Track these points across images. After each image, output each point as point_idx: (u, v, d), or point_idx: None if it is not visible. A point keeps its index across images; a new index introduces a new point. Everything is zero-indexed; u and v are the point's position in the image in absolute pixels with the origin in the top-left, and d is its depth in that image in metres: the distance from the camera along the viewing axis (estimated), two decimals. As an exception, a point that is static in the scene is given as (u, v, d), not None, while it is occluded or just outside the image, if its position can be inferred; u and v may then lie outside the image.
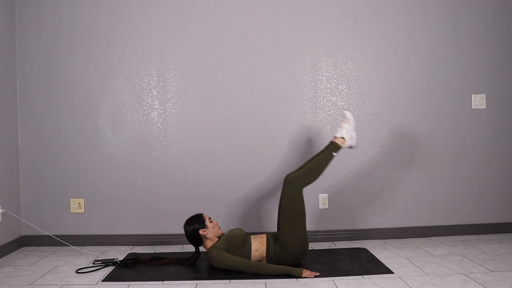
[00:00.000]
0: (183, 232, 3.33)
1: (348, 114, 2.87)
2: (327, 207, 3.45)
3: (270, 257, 2.73)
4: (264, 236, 2.82)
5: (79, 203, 3.41)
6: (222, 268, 2.63)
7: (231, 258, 2.62)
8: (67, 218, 3.41)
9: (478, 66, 3.50)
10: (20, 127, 3.42)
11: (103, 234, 3.41)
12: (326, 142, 3.45)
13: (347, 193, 3.45)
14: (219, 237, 2.81)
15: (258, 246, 2.75)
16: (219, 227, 2.81)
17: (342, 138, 2.84)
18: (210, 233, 2.75)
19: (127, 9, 3.42)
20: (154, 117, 3.43)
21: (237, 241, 2.71)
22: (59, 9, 3.41)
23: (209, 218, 2.82)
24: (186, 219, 3.40)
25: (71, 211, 3.41)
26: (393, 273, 2.60)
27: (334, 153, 2.81)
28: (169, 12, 3.42)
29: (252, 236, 2.83)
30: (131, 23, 3.41)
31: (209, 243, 2.75)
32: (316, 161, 2.79)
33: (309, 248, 3.19)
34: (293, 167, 3.42)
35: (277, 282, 2.49)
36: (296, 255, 2.73)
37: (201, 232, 2.73)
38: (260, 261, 2.75)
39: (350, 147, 2.88)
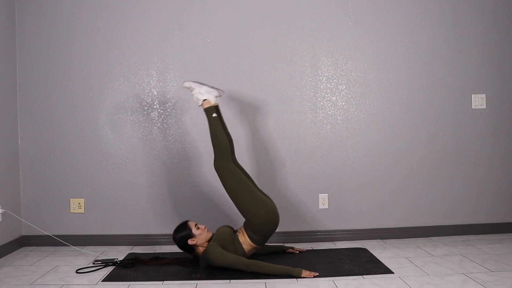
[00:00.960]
0: (183, 232, 3.35)
1: (186, 84, 2.92)
2: (327, 207, 3.45)
3: (255, 241, 2.76)
4: (242, 227, 2.86)
5: (79, 203, 3.41)
6: (221, 266, 2.63)
7: (229, 256, 2.62)
8: (67, 218, 3.41)
9: (478, 66, 3.51)
10: (20, 127, 3.42)
11: (103, 234, 3.41)
12: (326, 142, 3.45)
13: (347, 193, 3.45)
14: (209, 240, 2.82)
15: (243, 239, 2.79)
16: (207, 231, 2.80)
17: (203, 100, 2.88)
18: (199, 240, 2.74)
19: (127, 9, 3.42)
20: (154, 117, 3.43)
21: (226, 238, 2.75)
22: (59, 9, 3.41)
23: (195, 224, 2.78)
24: (186, 219, 3.41)
25: (71, 211, 3.41)
26: (393, 273, 2.60)
27: (214, 115, 2.85)
28: (169, 12, 3.42)
29: (237, 231, 2.87)
30: (131, 23, 3.41)
31: (200, 250, 2.76)
32: (211, 135, 2.85)
33: (309, 248, 3.19)
34: (293, 167, 3.42)
35: (277, 282, 2.49)
36: (268, 226, 2.75)
37: (189, 242, 2.73)
38: (253, 249, 2.80)
39: (218, 95, 2.90)
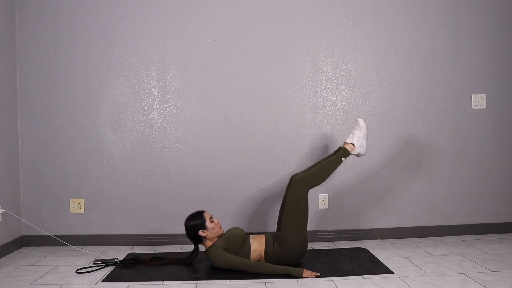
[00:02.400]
0: (183, 232, 3.33)
1: (361, 122, 2.89)
2: (327, 207, 3.45)
3: (269, 257, 2.73)
4: (263, 236, 2.82)
5: (79, 203, 3.41)
6: (222, 268, 2.63)
7: (231, 257, 2.62)
8: (67, 218, 3.41)
9: (478, 66, 3.50)
10: (20, 127, 3.42)
11: (103, 234, 3.41)
12: (326, 142, 3.45)
13: (347, 193, 3.45)
14: (219, 236, 2.81)
15: (257, 247, 2.75)
16: (220, 227, 2.78)
17: (352, 144, 2.85)
18: (210, 234, 2.73)
19: (127, 9, 3.42)
20: (154, 117, 3.43)
21: (236, 241, 2.71)
22: (59, 9, 3.41)
23: (210, 217, 2.77)
24: (186, 219, 3.41)
25: (71, 211, 3.41)
26: (393, 273, 2.60)
27: (343, 159, 2.82)
28: (169, 12, 3.42)
29: (251, 236, 2.83)
30: (131, 23, 3.41)
31: (208, 243, 2.75)
32: (324, 165, 2.80)
33: (309, 248, 3.19)
34: (292, 167, 3.42)
35: (277, 282, 2.49)
36: (295, 255, 2.73)
37: (200, 233, 2.72)
38: (259, 261, 2.75)
39: (358, 154, 2.89)
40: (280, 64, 3.44)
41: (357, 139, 2.85)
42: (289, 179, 2.89)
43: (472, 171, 3.51)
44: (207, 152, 3.41)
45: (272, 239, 2.77)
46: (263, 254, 2.74)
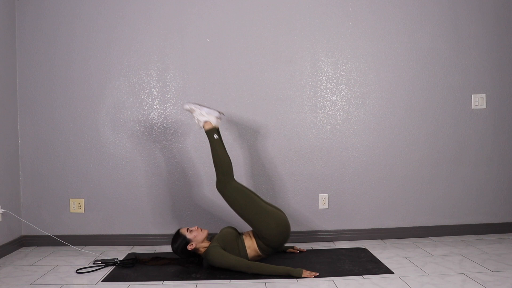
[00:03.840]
0: (183, 232, 3.35)
1: (186, 106, 2.93)
2: (327, 207, 3.45)
3: (263, 250, 2.77)
4: (251, 231, 2.86)
5: (79, 203, 3.41)
6: (222, 267, 2.63)
7: (230, 257, 2.62)
8: (67, 218, 3.41)
9: (478, 66, 3.50)
10: (20, 127, 3.42)
11: (103, 234, 3.41)
12: (326, 142, 3.45)
13: (347, 193, 3.45)
14: (209, 239, 2.82)
15: (250, 243, 2.79)
16: (201, 230, 2.78)
17: (204, 122, 2.89)
18: (197, 242, 2.73)
19: (127, 9, 3.42)
20: (154, 117, 3.43)
21: (231, 238, 2.74)
22: (59, 9, 3.41)
23: (187, 229, 2.76)
24: (186, 218, 3.42)
25: (71, 211, 3.41)
26: (393, 273, 2.60)
27: (215, 136, 2.86)
28: (169, 12, 3.42)
29: (243, 234, 2.87)
30: (131, 23, 3.41)
31: (202, 250, 2.76)
32: (213, 155, 2.86)
33: (309, 248, 3.19)
34: (293, 167, 3.42)
35: (277, 282, 2.49)
36: (279, 236, 2.76)
37: (189, 248, 2.72)
38: (256, 256, 2.79)
39: (219, 117, 2.92)
40: (280, 64, 3.44)
41: (201, 115, 2.88)
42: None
43: (472, 171, 3.51)
44: (207, 152, 3.41)
45: (257, 237, 2.81)
46: (257, 249, 2.78)
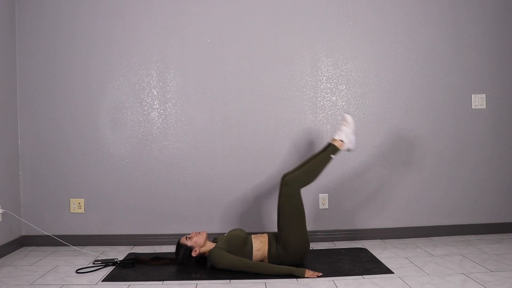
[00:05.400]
0: (183, 232, 3.37)
1: (348, 117, 2.87)
2: (327, 207, 3.45)
3: (272, 257, 2.73)
4: (266, 235, 2.82)
5: (79, 203, 3.41)
6: (224, 268, 2.63)
7: (233, 258, 2.62)
8: (67, 218, 3.41)
9: (478, 66, 3.50)
10: (20, 127, 3.42)
11: (103, 234, 3.41)
12: (326, 142, 3.44)
13: (347, 193, 3.45)
14: (213, 240, 2.81)
15: (260, 246, 2.75)
16: (199, 233, 2.76)
17: (341, 140, 2.83)
18: (199, 247, 2.72)
19: (127, 9, 3.42)
20: (154, 117, 3.43)
21: (238, 242, 2.71)
22: (59, 9, 3.41)
23: (186, 237, 2.75)
24: (186, 218, 3.42)
25: (71, 211, 3.41)
26: (393, 273, 2.60)
27: (332, 155, 2.81)
28: (169, 12, 3.42)
29: (253, 236, 2.83)
30: (131, 23, 3.41)
31: (206, 252, 2.74)
32: (314, 163, 2.80)
33: (310, 248, 3.19)
34: (293, 167, 3.42)
35: (277, 282, 2.49)
36: (298, 255, 2.73)
37: (193, 254, 2.70)
38: (262, 261, 2.75)
39: (348, 150, 2.87)
40: (280, 64, 3.44)
41: (345, 135, 2.83)
42: (280, 178, 2.88)
43: (472, 171, 3.51)
44: (207, 152, 3.41)
45: (275, 240, 2.77)
46: (266, 254, 2.74)
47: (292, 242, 2.70)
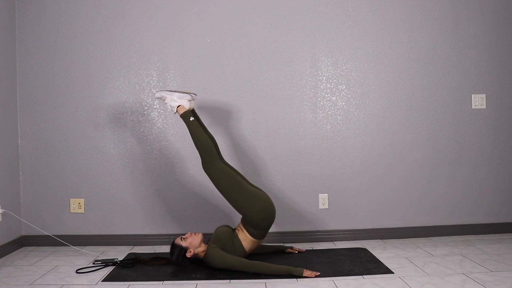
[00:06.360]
0: (183, 232, 3.36)
1: (156, 95, 2.93)
2: (327, 207, 3.45)
3: (255, 235, 2.77)
4: (240, 224, 2.86)
5: (79, 203, 3.41)
6: (222, 268, 2.63)
7: (230, 258, 2.62)
8: (67, 218, 3.41)
9: (478, 66, 3.50)
10: (20, 127, 3.42)
11: (103, 234, 3.41)
12: (326, 142, 3.45)
13: (347, 193, 3.45)
14: (206, 241, 2.82)
15: (243, 235, 2.79)
16: (194, 234, 2.76)
17: (178, 107, 2.88)
18: (194, 248, 2.72)
19: (127, 9, 3.42)
20: (154, 117, 3.43)
21: (227, 237, 2.75)
22: (59, 9, 3.41)
23: (181, 238, 2.75)
24: (186, 218, 3.42)
25: (71, 211, 3.41)
26: (393, 273, 2.60)
27: (191, 119, 2.84)
28: (169, 12, 3.42)
29: (236, 229, 2.87)
30: (131, 23, 3.41)
31: (201, 253, 2.75)
32: (193, 139, 2.85)
33: (309, 248, 3.19)
34: (293, 167, 3.42)
35: (277, 282, 2.49)
36: (265, 219, 2.76)
37: (188, 255, 2.70)
38: (254, 247, 2.81)
39: (191, 99, 2.90)
40: (280, 64, 3.44)
41: (174, 102, 2.87)
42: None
43: (472, 171, 3.51)
44: (207, 152, 3.41)
45: (245, 224, 2.81)
46: (253, 239, 2.79)
47: (249, 212, 2.73)
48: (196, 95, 2.99)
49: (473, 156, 3.51)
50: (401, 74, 3.48)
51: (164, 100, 2.93)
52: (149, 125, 3.42)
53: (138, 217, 3.42)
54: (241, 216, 2.90)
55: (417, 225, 3.48)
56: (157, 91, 2.95)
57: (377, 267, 2.71)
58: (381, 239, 3.44)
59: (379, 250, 3.12)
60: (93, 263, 2.89)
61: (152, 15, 3.41)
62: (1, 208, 3.13)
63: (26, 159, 3.41)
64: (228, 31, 3.42)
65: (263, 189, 3.34)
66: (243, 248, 2.77)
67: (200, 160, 2.87)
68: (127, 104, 3.42)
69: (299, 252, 3.08)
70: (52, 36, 3.41)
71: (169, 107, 2.93)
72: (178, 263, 2.74)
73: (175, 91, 2.92)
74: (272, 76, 3.43)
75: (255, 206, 2.75)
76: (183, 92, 2.92)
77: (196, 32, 3.42)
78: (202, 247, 2.75)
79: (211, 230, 3.34)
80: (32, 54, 3.41)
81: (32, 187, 3.41)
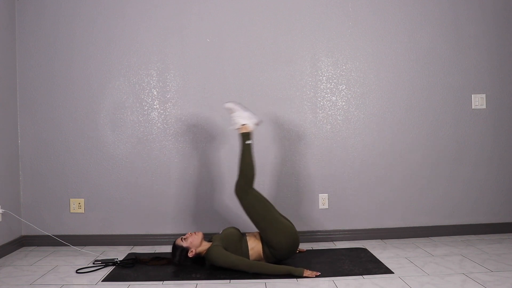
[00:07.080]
0: (183, 232, 3.36)
1: (228, 104, 2.89)
2: (327, 207, 3.45)
3: (267, 256, 2.74)
4: (258, 234, 2.83)
5: (79, 203, 3.41)
6: (223, 266, 2.63)
7: (232, 257, 2.62)
8: (67, 218, 3.41)
9: (478, 66, 3.51)
10: (20, 127, 3.42)
11: (103, 234, 3.41)
12: (326, 142, 3.45)
13: (347, 193, 3.45)
14: (209, 240, 2.81)
15: (254, 245, 2.76)
16: (195, 233, 2.76)
17: (243, 125, 2.85)
18: (196, 247, 2.71)
19: (127, 9, 3.42)
20: (154, 117, 3.43)
21: (233, 239, 2.73)
22: (59, 9, 3.41)
23: (181, 238, 2.75)
24: (186, 218, 3.42)
25: (71, 211, 3.41)
26: (393, 273, 2.60)
27: (248, 142, 2.82)
28: (169, 12, 3.42)
29: (247, 234, 2.84)
30: (131, 23, 3.41)
31: (203, 252, 2.74)
32: (241, 160, 2.82)
33: (309, 248, 3.19)
34: (293, 167, 3.42)
35: (277, 282, 2.49)
36: (287, 248, 2.73)
37: (190, 255, 2.70)
38: (258, 259, 2.76)
39: (257, 124, 2.88)
40: (280, 64, 3.44)
41: (241, 118, 2.85)
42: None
43: (472, 171, 3.51)
44: (207, 152, 3.41)
45: (263, 242, 2.77)
46: (261, 252, 2.75)
47: (274, 240, 2.70)
48: (262, 122, 2.95)
49: (473, 156, 3.51)
50: (401, 74, 3.48)
51: (232, 113, 2.88)
52: (149, 125, 3.42)
53: (138, 217, 3.42)
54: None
55: (417, 225, 3.48)
56: (230, 101, 2.90)
57: (377, 267, 2.71)
58: (381, 239, 3.44)
59: (379, 250, 3.12)
60: (93, 263, 2.89)
61: (152, 15, 3.42)
62: (1, 208, 3.13)
63: (26, 159, 3.41)
64: (228, 31, 3.43)
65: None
66: (248, 255, 2.73)
67: (236, 181, 2.80)
68: (127, 104, 3.42)
69: (299, 252, 3.08)
70: (52, 36, 3.41)
71: (234, 121, 2.87)
72: (180, 263, 2.73)
73: (247, 110, 2.89)
74: (272, 76, 3.43)
75: (282, 236, 2.71)
76: (254, 114, 2.90)
77: (196, 32, 3.42)
78: (203, 246, 2.75)
79: (211, 230, 3.34)
80: (32, 54, 3.41)
81: (32, 187, 3.41)
